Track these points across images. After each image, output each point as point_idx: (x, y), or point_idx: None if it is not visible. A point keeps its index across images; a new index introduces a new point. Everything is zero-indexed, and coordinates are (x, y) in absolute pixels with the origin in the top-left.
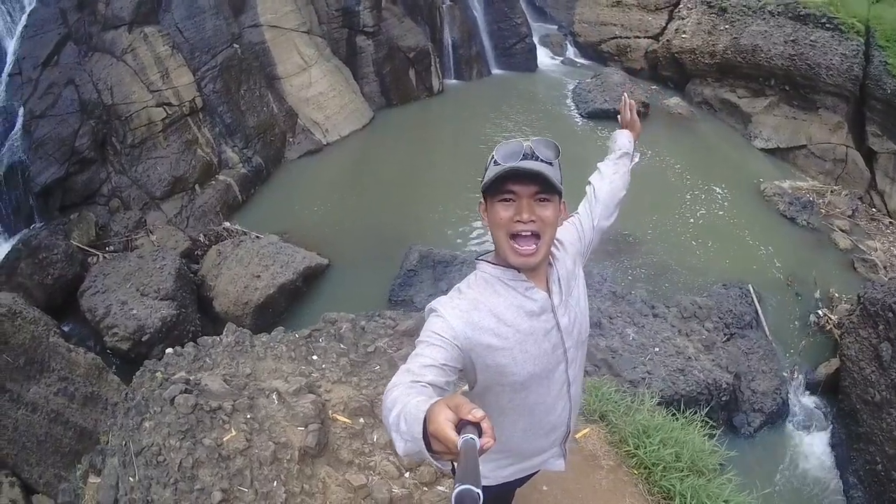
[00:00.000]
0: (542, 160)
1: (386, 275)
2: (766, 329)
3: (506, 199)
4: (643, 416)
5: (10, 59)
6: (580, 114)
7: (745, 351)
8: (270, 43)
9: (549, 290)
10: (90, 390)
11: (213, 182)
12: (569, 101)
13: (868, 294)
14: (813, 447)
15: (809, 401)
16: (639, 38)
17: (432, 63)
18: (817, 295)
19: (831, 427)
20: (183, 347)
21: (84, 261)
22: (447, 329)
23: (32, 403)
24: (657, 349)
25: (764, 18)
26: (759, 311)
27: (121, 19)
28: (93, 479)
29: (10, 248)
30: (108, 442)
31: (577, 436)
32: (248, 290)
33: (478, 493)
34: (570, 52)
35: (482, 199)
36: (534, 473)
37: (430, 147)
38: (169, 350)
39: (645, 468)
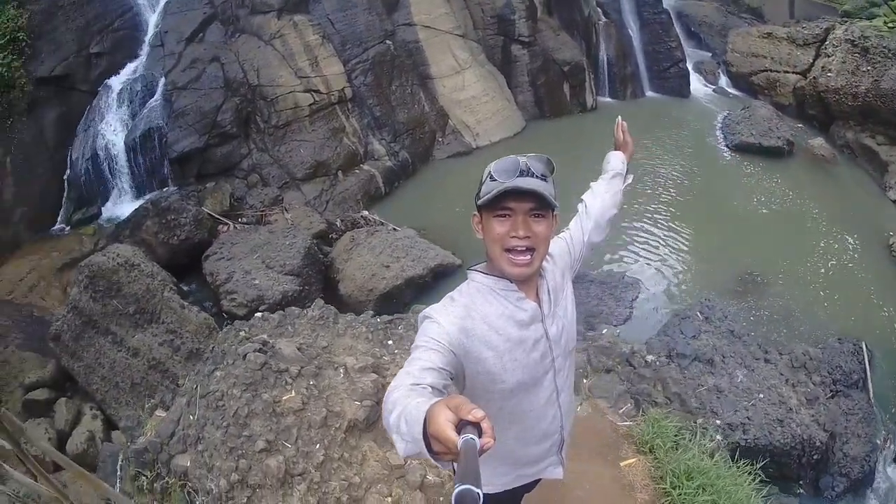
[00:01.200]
0: (536, 176)
1: None
2: (871, 391)
3: (502, 215)
4: (691, 455)
5: (151, 30)
6: (727, 145)
7: (846, 411)
8: (424, 43)
9: (538, 301)
10: (196, 346)
11: (357, 171)
12: (717, 131)
13: None
14: None
15: (894, 473)
16: (787, 72)
17: (587, 79)
18: None
19: None
20: (272, 313)
21: (213, 228)
22: (443, 334)
23: (135, 349)
24: (762, 395)
25: None
26: (868, 372)
27: (269, 5)
28: (159, 413)
29: (138, 206)
30: (183, 385)
31: (622, 464)
32: (376, 278)
33: (478, 493)
34: (723, 80)
35: (476, 212)
36: (538, 481)
37: (578, 163)
38: (257, 314)
39: None
